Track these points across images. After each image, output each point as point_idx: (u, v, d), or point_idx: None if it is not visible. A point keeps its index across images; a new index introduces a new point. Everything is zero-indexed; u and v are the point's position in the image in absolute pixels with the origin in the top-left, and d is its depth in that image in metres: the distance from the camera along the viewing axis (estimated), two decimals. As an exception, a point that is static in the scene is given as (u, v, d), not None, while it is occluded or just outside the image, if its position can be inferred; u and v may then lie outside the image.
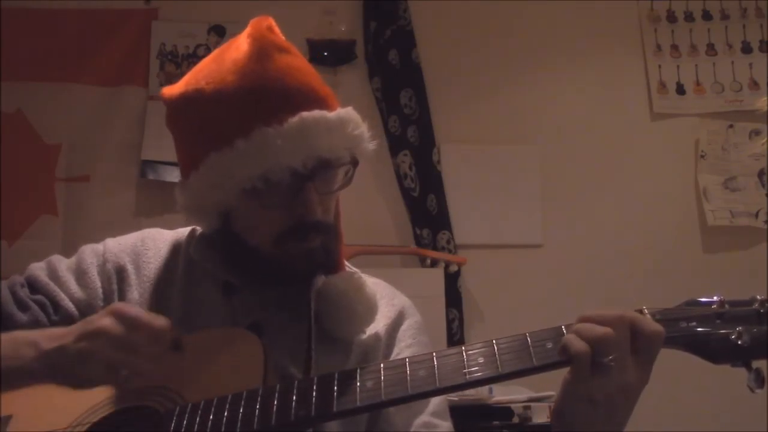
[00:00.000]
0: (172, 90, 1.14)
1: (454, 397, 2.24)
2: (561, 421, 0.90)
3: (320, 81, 1.12)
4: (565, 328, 0.90)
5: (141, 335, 0.95)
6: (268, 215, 1.09)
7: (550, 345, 0.88)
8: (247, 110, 1.06)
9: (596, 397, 0.86)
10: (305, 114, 1.06)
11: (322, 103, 1.09)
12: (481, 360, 0.88)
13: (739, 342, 0.84)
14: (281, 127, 1.04)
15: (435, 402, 1.13)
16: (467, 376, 0.87)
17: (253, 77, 1.06)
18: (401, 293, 1.27)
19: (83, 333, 0.96)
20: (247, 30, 1.12)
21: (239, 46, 1.10)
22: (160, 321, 0.97)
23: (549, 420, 2.38)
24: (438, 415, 1.13)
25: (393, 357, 1.16)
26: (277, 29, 1.14)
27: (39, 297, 1.14)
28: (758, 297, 0.87)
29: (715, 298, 0.89)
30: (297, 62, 1.11)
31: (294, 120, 1.05)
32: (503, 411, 2.37)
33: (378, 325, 1.17)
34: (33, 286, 1.16)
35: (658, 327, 0.87)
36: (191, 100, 1.10)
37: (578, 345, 0.85)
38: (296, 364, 1.08)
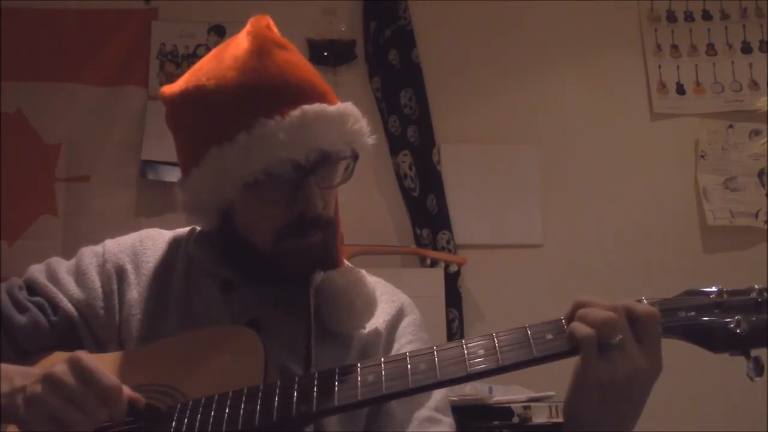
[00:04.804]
0: (172, 88, 1.15)
1: (454, 396, 2.23)
2: (571, 411, 0.90)
3: (319, 77, 1.14)
4: (564, 320, 0.91)
5: (90, 392, 0.89)
6: (269, 211, 1.09)
7: (550, 336, 0.88)
8: (248, 104, 1.06)
9: (605, 383, 0.86)
10: (306, 107, 1.06)
11: (322, 97, 1.10)
12: (481, 352, 0.89)
13: (738, 330, 0.85)
14: (283, 119, 1.05)
15: (436, 398, 1.13)
16: (468, 369, 0.88)
17: (253, 73, 1.07)
18: (401, 291, 1.27)
19: (39, 376, 0.91)
20: (247, 28, 1.13)
21: (239, 43, 1.12)
22: (113, 381, 0.91)
23: (549, 420, 2.37)
24: (440, 410, 1.13)
25: (393, 353, 1.16)
26: (275, 27, 1.15)
27: (37, 299, 1.14)
28: (756, 286, 0.88)
29: (714, 288, 0.89)
30: (296, 59, 1.12)
31: (295, 113, 1.05)
32: (503, 411, 2.36)
33: (378, 321, 1.17)
34: (32, 288, 1.16)
35: (650, 308, 0.89)
36: (192, 96, 1.11)
37: (584, 329, 0.87)
38: (296, 360, 1.08)
